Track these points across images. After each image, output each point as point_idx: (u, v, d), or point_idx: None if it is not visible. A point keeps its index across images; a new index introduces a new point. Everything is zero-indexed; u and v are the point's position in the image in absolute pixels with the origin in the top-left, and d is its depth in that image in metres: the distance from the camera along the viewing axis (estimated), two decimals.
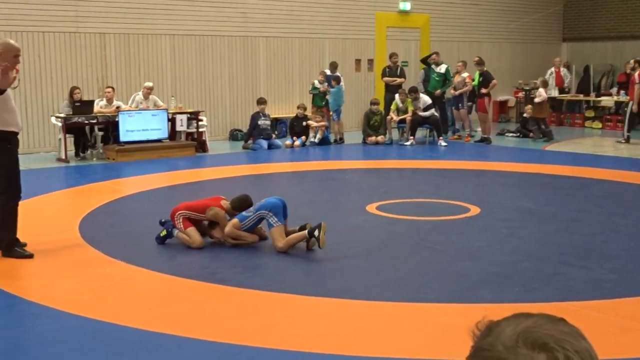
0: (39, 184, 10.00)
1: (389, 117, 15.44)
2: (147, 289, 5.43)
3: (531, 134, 15.66)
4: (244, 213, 6.55)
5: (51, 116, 13.69)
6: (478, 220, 7.66)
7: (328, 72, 15.97)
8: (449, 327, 4.47)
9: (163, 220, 6.86)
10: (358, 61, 18.49)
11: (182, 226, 6.54)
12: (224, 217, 6.59)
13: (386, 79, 16.40)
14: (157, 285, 5.51)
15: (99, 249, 6.47)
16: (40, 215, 7.95)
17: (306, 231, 6.37)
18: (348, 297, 5.05)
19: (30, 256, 6.23)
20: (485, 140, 15.12)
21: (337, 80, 15.71)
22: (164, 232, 6.60)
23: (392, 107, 15.55)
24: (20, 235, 6.39)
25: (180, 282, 5.50)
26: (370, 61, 18.58)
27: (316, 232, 6.32)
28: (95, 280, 5.65)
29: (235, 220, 6.51)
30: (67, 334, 4.42)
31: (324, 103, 15.86)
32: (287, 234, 6.43)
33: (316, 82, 15.97)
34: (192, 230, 6.53)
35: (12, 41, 6.45)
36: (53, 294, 5.21)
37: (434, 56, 16.42)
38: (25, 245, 6.41)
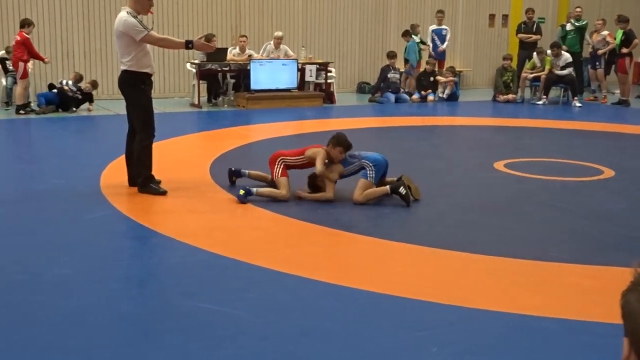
0: (173, 127, 10.39)
1: (523, 75, 14.97)
2: (274, 231, 5.56)
3: None
4: (348, 158, 6.50)
5: (186, 62, 14.12)
6: (612, 183, 7.34)
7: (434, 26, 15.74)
8: (576, 288, 4.35)
9: (233, 169, 6.85)
10: (492, 16, 17.96)
11: (279, 172, 6.42)
12: (324, 157, 6.42)
13: (521, 35, 15.86)
14: (284, 228, 5.63)
15: (229, 190, 6.67)
16: (174, 156, 8.28)
17: (388, 187, 6.32)
18: (472, 251, 4.98)
19: (164, 193, 6.51)
20: (623, 103, 14.41)
21: (408, 34, 15.56)
22: (243, 192, 6.27)
23: (528, 65, 15.06)
24: (156, 174, 6.68)
25: (306, 226, 5.60)
26: (505, 16, 18.00)
27: (402, 190, 6.23)
28: (225, 219, 5.84)
29: (340, 166, 6.50)
30: (198, 267, 4.60)
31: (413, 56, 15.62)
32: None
33: (415, 37, 15.68)
34: (284, 180, 6.41)
35: None
36: (186, 229, 5.42)
37: (577, 10, 15.67)
38: (159, 182, 6.70)
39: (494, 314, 3.93)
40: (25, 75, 11.88)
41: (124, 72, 6.54)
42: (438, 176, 7.56)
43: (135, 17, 6.39)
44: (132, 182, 6.72)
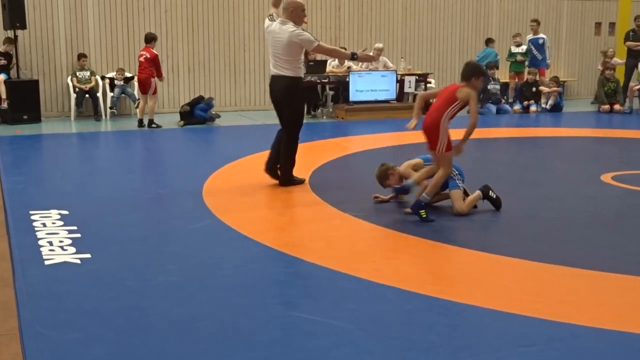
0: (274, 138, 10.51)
1: (630, 85, 14.45)
2: (373, 242, 5.54)
3: None
4: (429, 156, 6.37)
5: None
6: None
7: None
8: None
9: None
10: (598, 24, 17.42)
11: (444, 146, 5.99)
12: (476, 99, 6.00)
13: (629, 43, 15.31)
14: (383, 239, 5.60)
15: (327, 201, 6.71)
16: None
17: (479, 192, 6.30)
18: (578, 266, 4.82)
19: (302, 182, 7.46)
20: None
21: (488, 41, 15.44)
22: (424, 213, 5.96)
23: (636, 76, 14.53)
24: (256, 183, 6.79)
25: (405, 238, 5.55)
26: (612, 24, 17.42)
27: (491, 194, 6.30)
28: (324, 230, 5.86)
29: (419, 160, 6.45)
30: (299, 278, 4.65)
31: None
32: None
33: (512, 47, 15.39)
34: (450, 156, 6.02)
35: None
36: (286, 240, 5.47)
37: None
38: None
39: (601, 331, 3.78)
40: (156, 91, 12.24)
41: (289, 78, 7.13)
42: (542, 189, 7.36)
43: (303, 29, 7.07)
44: (269, 171, 7.46)
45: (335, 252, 5.22)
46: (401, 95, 14.02)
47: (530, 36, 15.44)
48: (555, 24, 16.89)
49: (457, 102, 6.01)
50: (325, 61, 13.69)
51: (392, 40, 15.55)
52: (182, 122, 12.41)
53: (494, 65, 14.68)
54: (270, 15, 7.30)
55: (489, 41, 15.48)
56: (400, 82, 13.93)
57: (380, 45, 14.05)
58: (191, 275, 4.65)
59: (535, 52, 15.31)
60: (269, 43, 7.26)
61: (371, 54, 13.78)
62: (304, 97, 7.34)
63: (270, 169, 7.44)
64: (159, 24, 13.90)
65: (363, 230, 5.82)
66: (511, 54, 15.39)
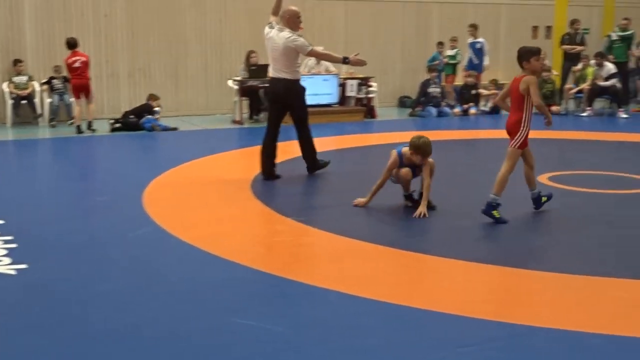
0: (216, 143, 10.50)
1: (566, 87, 14.80)
2: (314, 247, 5.54)
3: None
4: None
5: (228, 80, 14.25)
6: None
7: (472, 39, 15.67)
8: (625, 303, 4.25)
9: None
10: (535, 28, 17.79)
11: (519, 143, 6.39)
12: (534, 81, 6.10)
13: (565, 46, 15.68)
14: (325, 244, 5.60)
15: (269, 205, 6.69)
16: (216, 173, 8.33)
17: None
18: (517, 266, 4.91)
19: (328, 163, 8.28)
20: None
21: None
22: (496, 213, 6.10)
23: (571, 77, 14.91)
24: (199, 189, 6.75)
25: (347, 242, 5.56)
26: (549, 28, 17.82)
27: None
28: (265, 235, 5.85)
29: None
30: (239, 283, 4.62)
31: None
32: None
33: (448, 51, 15.81)
34: (518, 154, 6.44)
35: (293, 7, 7.82)
36: (227, 246, 5.43)
37: (624, 21, 15.49)
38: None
39: (539, 329, 3.85)
40: (93, 94, 12.22)
41: (287, 80, 7.81)
42: (481, 190, 7.45)
43: (299, 35, 7.71)
44: (267, 174, 7.94)
45: (277, 257, 5.21)
46: (343, 98, 14.08)
47: (470, 39, 15.68)
48: (494, 28, 17.18)
49: (525, 98, 6.17)
50: (267, 65, 13.63)
51: (334, 44, 15.57)
52: (118, 126, 12.23)
53: (435, 69, 14.87)
54: (269, 23, 7.92)
55: (438, 45, 15.78)
56: (343, 86, 13.99)
57: (320, 48, 14.05)
58: (133, 283, 4.59)
59: (472, 55, 15.56)
60: (268, 49, 7.90)
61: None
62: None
63: (270, 174, 7.95)
64: (98, 28, 13.69)
65: (305, 234, 5.82)
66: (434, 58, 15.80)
